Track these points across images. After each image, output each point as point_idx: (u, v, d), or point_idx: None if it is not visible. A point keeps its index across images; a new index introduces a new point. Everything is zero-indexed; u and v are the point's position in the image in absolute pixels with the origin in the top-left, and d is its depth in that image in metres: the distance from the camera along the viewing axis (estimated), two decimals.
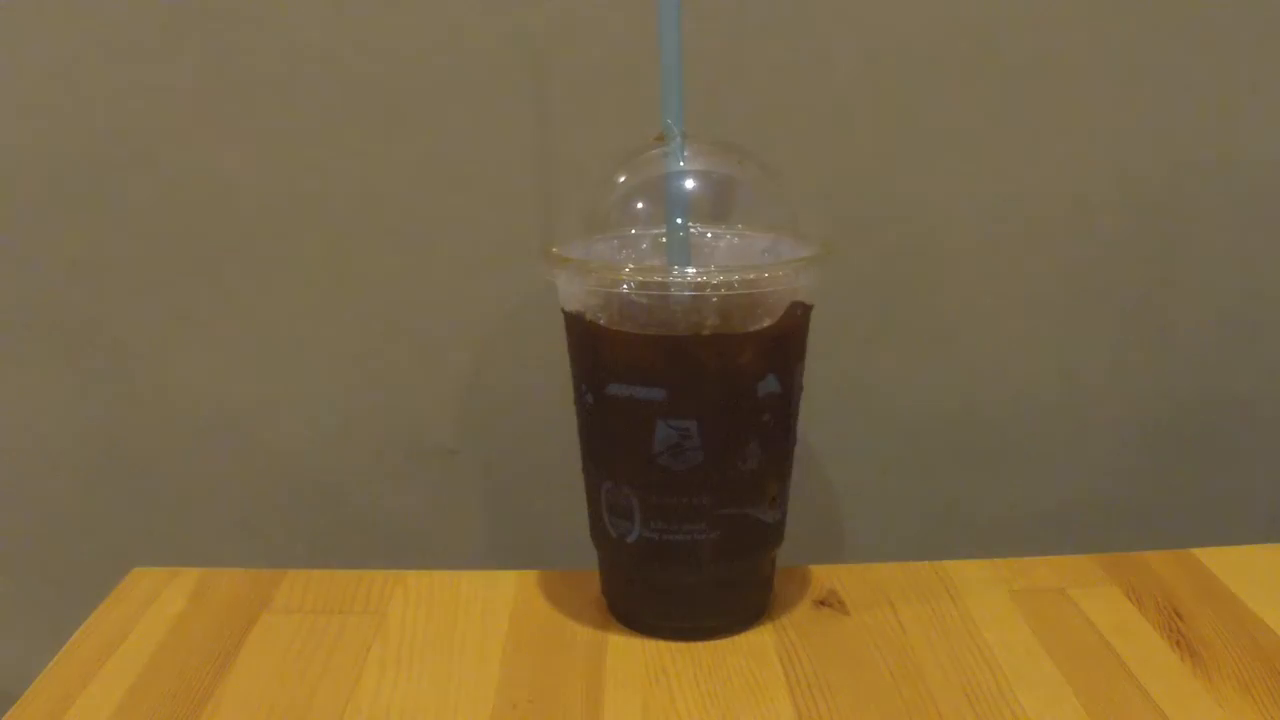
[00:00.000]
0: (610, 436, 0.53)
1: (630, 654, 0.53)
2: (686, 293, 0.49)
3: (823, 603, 0.57)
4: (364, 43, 0.65)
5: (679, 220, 0.52)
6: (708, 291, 0.49)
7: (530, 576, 0.59)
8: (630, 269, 0.52)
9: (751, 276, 0.49)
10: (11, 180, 0.67)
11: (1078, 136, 0.68)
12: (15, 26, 0.64)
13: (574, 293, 0.52)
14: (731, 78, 0.65)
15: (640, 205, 0.54)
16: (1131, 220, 0.69)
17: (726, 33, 0.64)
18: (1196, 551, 0.61)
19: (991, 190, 0.68)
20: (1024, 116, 0.67)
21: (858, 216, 0.68)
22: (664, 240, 0.53)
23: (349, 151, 0.67)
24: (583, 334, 0.52)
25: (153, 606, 0.57)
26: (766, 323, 0.51)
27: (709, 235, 0.55)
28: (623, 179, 0.54)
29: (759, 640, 0.54)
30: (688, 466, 0.51)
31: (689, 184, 0.53)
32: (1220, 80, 0.67)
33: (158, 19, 0.64)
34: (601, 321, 0.51)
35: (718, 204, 0.54)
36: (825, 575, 0.59)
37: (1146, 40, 0.66)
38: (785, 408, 0.53)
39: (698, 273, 0.50)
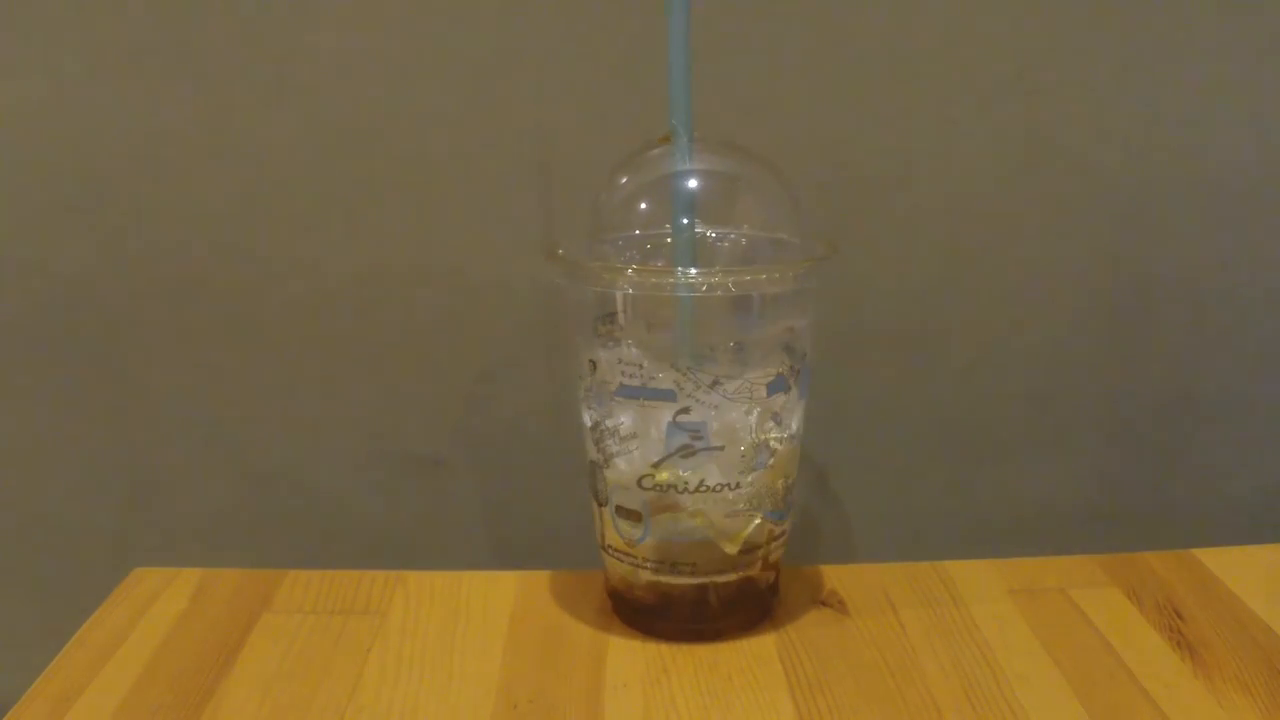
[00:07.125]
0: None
1: (631, 654, 0.53)
2: (690, 293, 0.49)
3: (823, 603, 0.57)
4: (362, 47, 0.65)
5: (684, 220, 0.51)
6: (714, 292, 0.48)
7: (531, 577, 0.59)
8: (634, 269, 0.51)
9: (756, 278, 0.49)
10: (19, 197, 0.67)
11: (1058, 141, 0.68)
12: (19, 47, 0.65)
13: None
14: (737, 79, 0.65)
15: (644, 206, 0.54)
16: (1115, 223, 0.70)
17: (733, 33, 0.64)
18: (1196, 551, 0.61)
19: (988, 196, 0.69)
20: (1007, 122, 0.67)
21: (851, 218, 0.68)
22: (669, 240, 0.52)
23: (341, 156, 0.66)
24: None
25: (154, 606, 0.57)
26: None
27: (713, 235, 0.54)
28: (625, 179, 0.54)
29: (759, 640, 0.54)
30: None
31: (695, 184, 0.52)
32: (1196, 87, 0.68)
33: (162, 43, 0.64)
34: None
35: (723, 204, 0.54)
36: (825, 575, 0.59)
37: (1126, 45, 0.67)
38: (796, 405, 0.53)
39: (701, 273, 0.49)
